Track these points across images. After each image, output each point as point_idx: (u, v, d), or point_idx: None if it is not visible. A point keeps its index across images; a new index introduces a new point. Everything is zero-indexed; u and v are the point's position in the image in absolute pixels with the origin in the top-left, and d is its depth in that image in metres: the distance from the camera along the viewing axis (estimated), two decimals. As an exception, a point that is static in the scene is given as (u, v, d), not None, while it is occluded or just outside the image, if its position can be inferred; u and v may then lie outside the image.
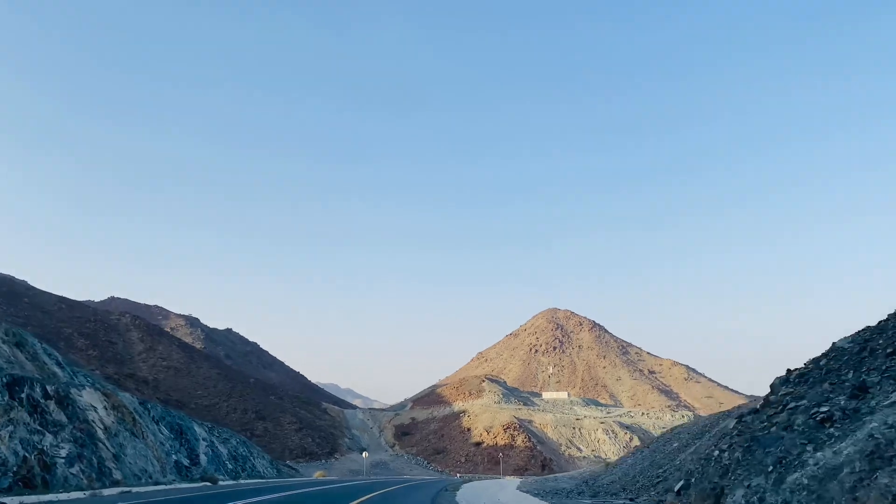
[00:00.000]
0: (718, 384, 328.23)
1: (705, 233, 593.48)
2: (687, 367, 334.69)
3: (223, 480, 31.75)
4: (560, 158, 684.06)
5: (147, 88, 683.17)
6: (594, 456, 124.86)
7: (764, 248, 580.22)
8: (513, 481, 43.58)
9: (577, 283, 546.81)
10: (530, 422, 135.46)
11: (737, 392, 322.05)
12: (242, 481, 33.54)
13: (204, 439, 35.67)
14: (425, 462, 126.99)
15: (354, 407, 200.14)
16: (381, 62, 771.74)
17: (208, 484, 29.16)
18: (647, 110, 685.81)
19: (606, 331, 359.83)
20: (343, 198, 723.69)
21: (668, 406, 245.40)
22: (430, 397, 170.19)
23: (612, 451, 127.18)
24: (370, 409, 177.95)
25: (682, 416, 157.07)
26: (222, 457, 37.23)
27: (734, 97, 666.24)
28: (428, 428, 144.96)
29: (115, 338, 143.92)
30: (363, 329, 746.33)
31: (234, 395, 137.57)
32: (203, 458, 33.49)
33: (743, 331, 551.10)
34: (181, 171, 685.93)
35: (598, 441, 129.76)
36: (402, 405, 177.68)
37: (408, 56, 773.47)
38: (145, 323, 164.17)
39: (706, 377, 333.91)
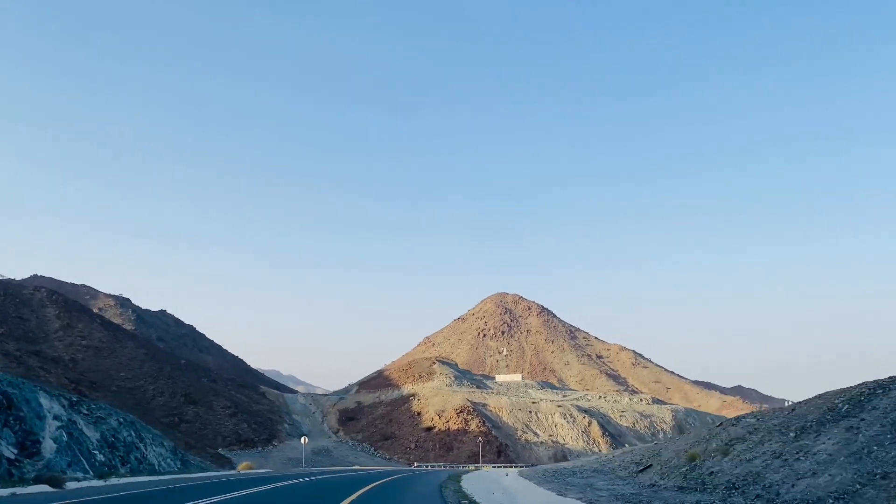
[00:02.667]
0: (665, 369, 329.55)
1: (653, 222, 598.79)
2: (634, 352, 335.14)
3: (79, 481, 21.76)
4: (514, 151, 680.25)
5: (79, 56, 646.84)
6: (552, 441, 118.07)
7: (710, 238, 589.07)
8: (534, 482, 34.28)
9: (525, 267, 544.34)
10: (484, 405, 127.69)
11: (683, 377, 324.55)
12: (114, 481, 23.51)
13: (57, 417, 24.80)
14: (372, 449, 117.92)
15: (295, 391, 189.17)
16: (331, 53, 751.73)
17: (45, 488, 19.32)
18: (602, 106, 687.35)
19: (555, 315, 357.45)
20: (289, 181, 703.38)
21: (616, 390, 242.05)
22: (377, 380, 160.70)
23: (570, 436, 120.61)
24: (312, 394, 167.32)
25: (640, 400, 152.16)
26: (88, 444, 26.53)
27: (671, 87, 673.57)
28: (375, 413, 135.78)
29: (26, 314, 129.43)
30: (306, 315, 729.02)
31: (162, 378, 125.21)
32: (48, 447, 23.03)
33: (689, 317, 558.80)
34: (120, 146, 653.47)
35: (556, 426, 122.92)
36: (346, 390, 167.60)
37: (366, 50, 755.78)
38: (64, 299, 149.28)
39: (653, 362, 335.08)
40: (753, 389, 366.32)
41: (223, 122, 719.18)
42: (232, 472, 41.27)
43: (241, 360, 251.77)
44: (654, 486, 15.48)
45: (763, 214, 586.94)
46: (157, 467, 32.28)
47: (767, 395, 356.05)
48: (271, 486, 21.65)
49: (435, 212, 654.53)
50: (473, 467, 76.11)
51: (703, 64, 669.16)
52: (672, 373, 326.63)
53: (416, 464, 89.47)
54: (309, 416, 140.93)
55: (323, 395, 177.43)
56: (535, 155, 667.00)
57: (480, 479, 23.20)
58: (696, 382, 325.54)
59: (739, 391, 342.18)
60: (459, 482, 22.16)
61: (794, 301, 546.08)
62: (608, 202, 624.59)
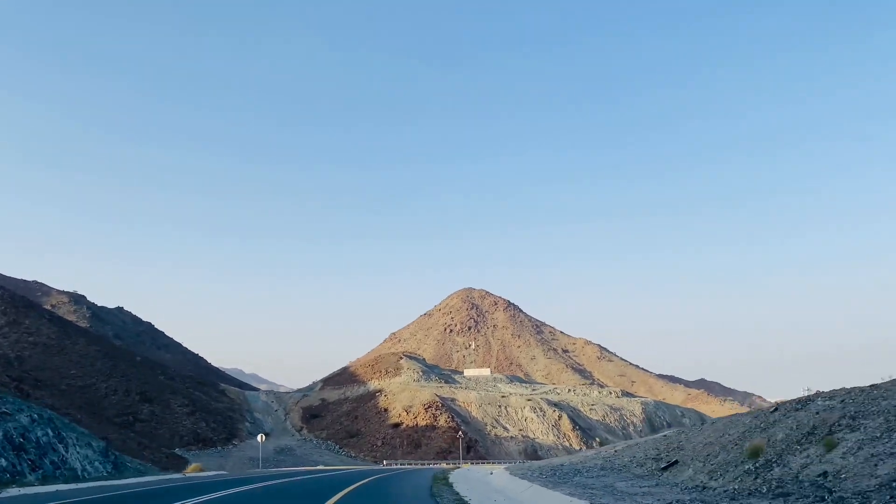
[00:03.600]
0: (630, 363, 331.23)
1: (616, 218, 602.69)
2: (600, 346, 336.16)
3: (-32, 490, 17.95)
4: (481, 149, 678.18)
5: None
6: (522, 436, 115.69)
7: (671, 234, 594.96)
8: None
9: (492, 263, 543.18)
10: (453, 400, 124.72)
11: (647, 371, 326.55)
12: (13, 492, 19.52)
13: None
14: (337, 447, 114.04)
15: (257, 389, 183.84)
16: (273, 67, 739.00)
17: None
18: (568, 104, 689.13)
19: (521, 310, 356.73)
20: (253, 180, 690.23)
21: (582, 384, 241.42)
22: (342, 376, 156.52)
23: (540, 430, 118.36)
24: (273, 391, 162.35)
25: (610, 393, 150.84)
26: (-13, 445, 22.73)
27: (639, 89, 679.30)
28: (340, 409, 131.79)
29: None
30: (269, 313, 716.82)
31: (116, 375, 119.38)
32: (-72, 450, 19.03)
33: (651, 312, 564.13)
34: (73, 150, 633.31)
35: (526, 420, 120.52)
36: (311, 387, 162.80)
37: (300, 58, 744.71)
38: (10, 294, 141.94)
39: (618, 356, 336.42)
40: (716, 383, 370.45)
41: (185, 132, 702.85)
42: (176, 475, 36.49)
43: (202, 358, 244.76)
44: (702, 488, 12.46)
45: (724, 211, 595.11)
46: (80, 472, 27.82)
47: (730, 388, 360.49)
48: (205, 497, 17.90)
49: (400, 208, 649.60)
50: (453, 465, 71.41)
51: (671, 63, 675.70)
52: (637, 366, 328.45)
53: (384, 462, 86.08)
54: (271, 414, 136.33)
55: (286, 392, 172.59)
56: (501, 153, 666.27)
57: (475, 482, 20.07)
58: (661, 376, 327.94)
59: (703, 384, 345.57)
60: (450, 485, 18.94)
61: (754, 296, 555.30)
62: (573, 199, 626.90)
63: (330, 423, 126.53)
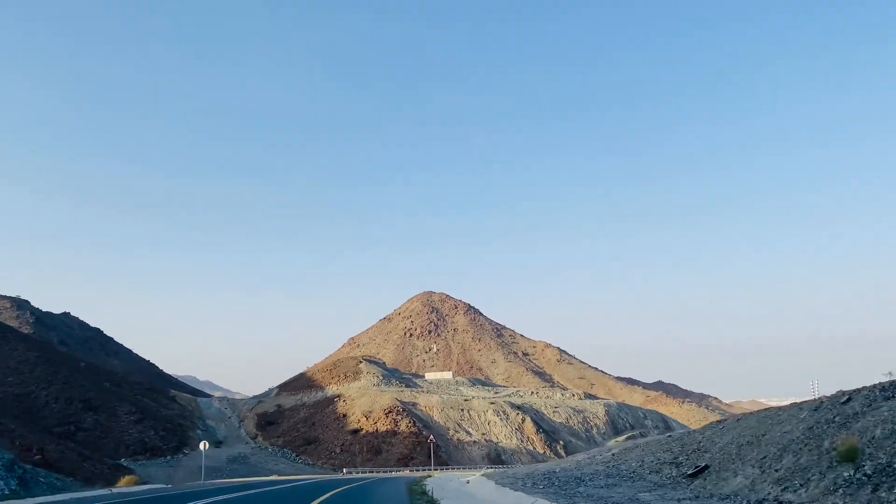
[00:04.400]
0: (589, 366, 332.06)
1: (573, 222, 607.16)
2: (559, 349, 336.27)
3: None
4: (437, 150, 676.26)
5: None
6: (485, 440, 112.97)
7: (627, 239, 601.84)
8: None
9: (452, 266, 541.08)
10: (414, 404, 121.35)
11: (606, 373, 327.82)
12: None
13: None
14: (293, 455, 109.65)
15: (210, 395, 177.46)
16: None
17: None
18: (527, 104, 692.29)
19: (481, 314, 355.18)
20: (207, 178, 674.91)
21: (543, 387, 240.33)
22: (299, 382, 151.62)
23: (503, 433, 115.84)
24: (227, 397, 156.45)
25: (573, 395, 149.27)
26: None
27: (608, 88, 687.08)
28: (297, 416, 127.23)
29: None
30: (224, 319, 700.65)
31: (57, 382, 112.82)
32: None
33: (609, 315, 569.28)
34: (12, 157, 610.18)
35: (489, 423, 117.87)
36: (266, 394, 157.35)
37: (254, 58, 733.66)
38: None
39: (577, 359, 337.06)
40: (673, 384, 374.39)
41: (131, 114, 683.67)
42: (100, 492, 31.11)
43: (153, 365, 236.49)
44: (775, 501, 9.79)
45: (679, 218, 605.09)
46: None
47: (688, 390, 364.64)
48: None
49: (358, 212, 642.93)
50: (423, 472, 65.75)
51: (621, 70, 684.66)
52: (596, 369, 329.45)
53: (344, 470, 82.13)
54: (225, 422, 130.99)
55: (240, 399, 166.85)
56: (459, 159, 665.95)
57: (465, 497, 16.86)
58: (619, 378, 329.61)
59: (661, 386, 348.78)
60: (435, 502, 15.69)
61: (708, 302, 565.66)
62: (533, 203, 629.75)
63: (286, 430, 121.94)
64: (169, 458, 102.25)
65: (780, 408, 18.99)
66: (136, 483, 38.90)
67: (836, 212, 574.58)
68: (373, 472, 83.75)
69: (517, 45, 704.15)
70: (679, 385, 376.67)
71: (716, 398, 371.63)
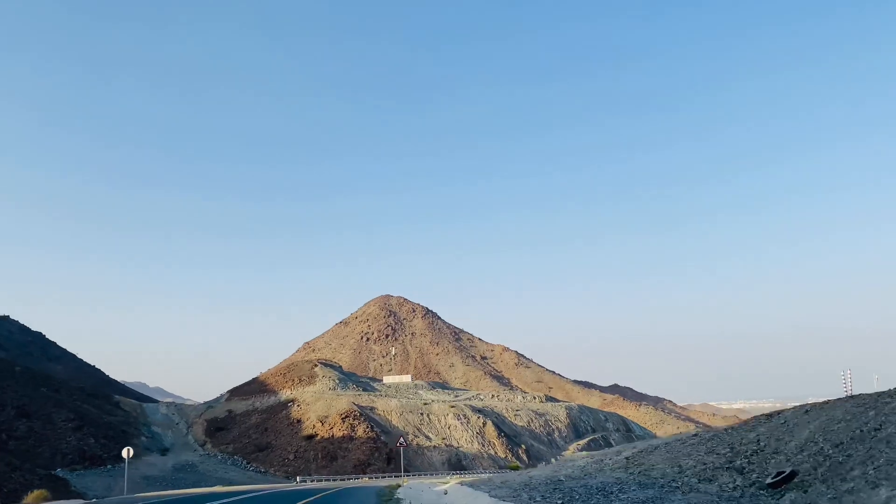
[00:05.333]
0: (546, 369, 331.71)
1: (533, 226, 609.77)
2: (517, 352, 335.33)
3: None
4: (396, 151, 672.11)
5: None
6: (445, 445, 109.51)
7: (585, 241, 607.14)
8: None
9: (410, 269, 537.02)
10: (372, 409, 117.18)
11: (564, 377, 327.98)
12: None
13: None
14: (244, 462, 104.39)
15: (157, 401, 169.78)
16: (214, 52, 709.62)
17: None
18: (483, 103, 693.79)
19: (439, 317, 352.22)
20: (155, 180, 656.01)
21: (503, 390, 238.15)
22: (252, 387, 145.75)
23: (464, 438, 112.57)
24: (175, 403, 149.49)
25: (534, 398, 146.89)
26: None
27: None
28: (248, 421, 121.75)
29: None
30: (173, 323, 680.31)
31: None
32: None
33: (565, 319, 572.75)
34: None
35: (450, 427, 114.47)
36: (217, 400, 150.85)
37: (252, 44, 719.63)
38: None
39: (535, 362, 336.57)
40: (629, 388, 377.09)
41: (79, 121, 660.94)
42: None
43: (99, 370, 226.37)
44: None
45: (636, 221, 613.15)
46: None
47: (643, 394, 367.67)
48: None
49: (314, 213, 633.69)
50: (391, 481, 57.29)
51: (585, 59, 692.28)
52: (553, 372, 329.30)
53: (297, 478, 77.56)
54: (172, 428, 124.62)
55: (190, 405, 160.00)
56: (417, 156, 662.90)
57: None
58: (577, 381, 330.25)
59: (617, 389, 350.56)
60: None
61: (661, 306, 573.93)
62: (487, 202, 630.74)
63: (237, 436, 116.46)
64: (110, 467, 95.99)
65: (820, 403, 16.18)
66: (46, 499, 34.14)
67: (782, 220, 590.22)
68: (329, 479, 79.41)
69: (463, 62, 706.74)
70: (634, 388, 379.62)
71: (670, 401, 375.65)
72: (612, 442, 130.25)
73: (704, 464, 14.10)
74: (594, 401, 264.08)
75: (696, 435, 19.03)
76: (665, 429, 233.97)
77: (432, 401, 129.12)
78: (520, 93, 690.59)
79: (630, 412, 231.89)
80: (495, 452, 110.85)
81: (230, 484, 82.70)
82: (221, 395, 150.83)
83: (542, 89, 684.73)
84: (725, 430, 17.61)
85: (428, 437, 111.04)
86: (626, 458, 18.32)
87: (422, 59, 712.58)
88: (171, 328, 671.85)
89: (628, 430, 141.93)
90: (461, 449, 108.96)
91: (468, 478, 47.73)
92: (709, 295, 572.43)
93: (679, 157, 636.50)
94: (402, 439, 32.89)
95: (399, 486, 31.02)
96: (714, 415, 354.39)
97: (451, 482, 27.28)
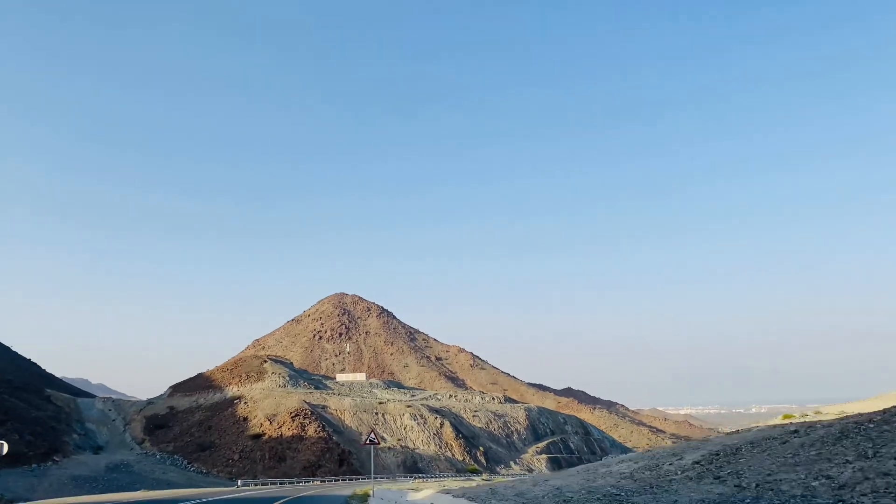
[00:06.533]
0: (501, 371, 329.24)
1: (481, 233, 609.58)
2: (473, 354, 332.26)
3: None
4: (345, 152, 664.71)
5: None
6: (401, 446, 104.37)
7: (540, 248, 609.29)
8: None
9: (366, 268, 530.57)
10: (324, 407, 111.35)
11: (518, 379, 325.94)
12: None
13: None
14: (185, 462, 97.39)
15: (93, 395, 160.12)
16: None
17: None
18: (437, 110, 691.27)
19: (395, 317, 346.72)
20: (109, 177, 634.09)
21: (461, 390, 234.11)
22: (196, 382, 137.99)
23: (420, 439, 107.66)
24: (112, 399, 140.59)
25: (493, 399, 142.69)
26: None
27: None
28: (191, 419, 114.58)
29: None
30: (118, 320, 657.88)
31: None
32: None
33: (520, 322, 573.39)
34: None
35: (405, 428, 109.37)
36: (160, 397, 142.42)
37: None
38: None
39: (490, 364, 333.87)
40: (582, 391, 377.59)
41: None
42: None
43: (34, 364, 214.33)
44: None
45: (589, 228, 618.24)
46: None
47: (596, 397, 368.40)
48: None
49: (266, 213, 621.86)
50: (359, 489, 49.73)
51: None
52: (508, 374, 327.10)
53: (239, 481, 71.28)
54: (108, 425, 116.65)
55: (129, 401, 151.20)
56: (373, 158, 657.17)
57: None
58: (531, 384, 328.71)
59: (571, 393, 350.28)
60: None
61: (612, 311, 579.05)
62: (445, 207, 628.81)
63: (178, 434, 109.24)
64: (34, 466, 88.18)
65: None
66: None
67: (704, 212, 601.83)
68: (276, 483, 73.32)
69: (420, 72, 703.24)
70: (587, 392, 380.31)
71: (623, 405, 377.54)
72: (571, 445, 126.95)
73: (779, 481, 9.81)
74: (549, 403, 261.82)
75: (795, 431, 14.72)
76: (620, 432, 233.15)
77: (388, 400, 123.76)
78: (474, 103, 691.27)
79: (585, 415, 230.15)
80: (452, 455, 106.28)
81: (167, 486, 76.26)
82: (164, 392, 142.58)
83: (501, 101, 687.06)
84: (853, 421, 13.36)
85: (383, 438, 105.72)
86: (698, 463, 14.09)
87: (389, 68, 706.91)
88: (116, 325, 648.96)
89: (587, 433, 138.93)
90: (417, 451, 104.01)
91: (450, 483, 42.75)
92: (659, 304, 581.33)
93: (624, 170, 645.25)
94: (372, 434, 28.24)
95: (367, 494, 25.85)
96: (665, 419, 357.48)
97: (427, 490, 22.53)
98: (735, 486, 11.52)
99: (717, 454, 14.81)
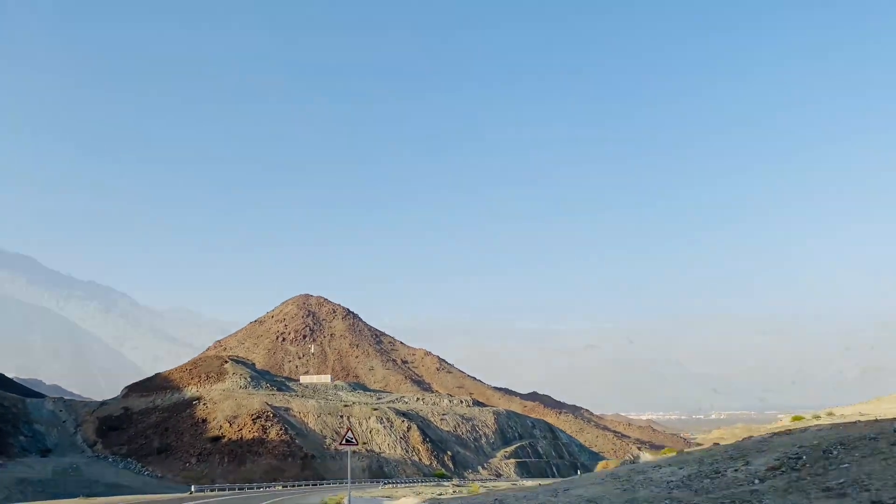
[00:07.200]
0: (467, 375, 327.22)
1: (443, 232, 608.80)
2: (439, 357, 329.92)
3: None
4: (313, 155, 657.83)
5: None
6: (366, 450, 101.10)
7: (502, 254, 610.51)
8: None
9: (331, 269, 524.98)
10: (287, 409, 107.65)
11: (484, 383, 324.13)
12: None
13: None
14: (139, 465, 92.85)
15: (44, 395, 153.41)
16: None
17: None
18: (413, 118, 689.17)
19: (360, 319, 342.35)
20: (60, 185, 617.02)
21: (428, 393, 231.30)
22: (153, 383, 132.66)
23: (386, 443, 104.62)
24: (64, 399, 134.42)
25: (461, 402, 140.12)
26: None
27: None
28: (146, 420, 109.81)
29: None
30: (74, 320, 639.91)
31: None
32: None
33: (487, 325, 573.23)
34: None
35: (371, 432, 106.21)
36: (115, 398, 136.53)
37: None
38: None
39: (456, 368, 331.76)
40: (548, 395, 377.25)
41: None
42: None
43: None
44: None
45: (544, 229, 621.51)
46: None
47: (560, 401, 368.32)
48: None
49: (230, 213, 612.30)
50: (330, 497, 42.71)
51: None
52: (474, 378, 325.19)
53: (192, 487, 67.23)
54: (58, 426, 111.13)
55: (82, 401, 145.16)
56: (342, 162, 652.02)
57: None
58: (497, 388, 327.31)
59: (536, 397, 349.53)
60: None
61: (575, 314, 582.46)
62: (412, 210, 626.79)
63: (133, 436, 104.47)
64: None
65: None
66: None
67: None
68: (234, 488, 69.53)
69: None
70: (552, 396, 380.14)
71: (587, 410, 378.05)
72: (540, 449, 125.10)
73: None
74: (515, 407, 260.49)
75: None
76: (585, 437, 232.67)
77: (353, 403, 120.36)
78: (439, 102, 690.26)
79: (551, 419, 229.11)
80: (419, 459, 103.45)
81: (118, 491, 72.40)
82: (119, 393, 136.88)
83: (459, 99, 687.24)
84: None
85: (339, 444, 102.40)
86: (778, 469, 11.80)
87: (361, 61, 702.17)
88: (71, 324, 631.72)
89: (555, 438, 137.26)
90: (383, 455, 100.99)
91: (425, 490, 39.97)
92: (614, 314, 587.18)
93: (580, 176, 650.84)
94: (349, 434, 25.68)
95: (340, 503, 23.01)
96: (630, 424, 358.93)
97: (406, 498, 19.87)
98: (870, 500, 9.20)
99: (799, 458, 12.54)
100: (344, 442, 27.85)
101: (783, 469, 12.20)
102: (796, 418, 27.51)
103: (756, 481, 11.73)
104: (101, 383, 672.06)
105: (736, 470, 13.21)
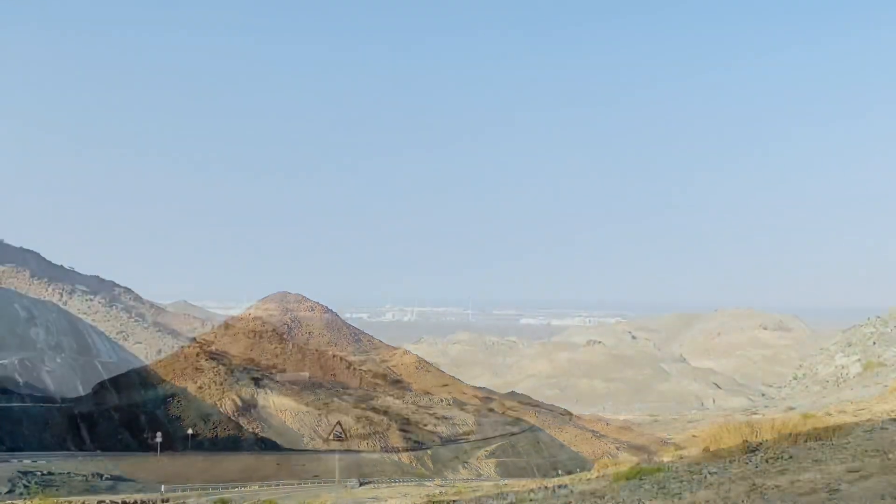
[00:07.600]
0: (447, 374, 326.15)
1: (431, 231, 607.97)
2: (418, 356, 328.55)
3: None
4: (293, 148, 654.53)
5: None
6: (345, 450, 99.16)
7: (479, 251, 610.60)
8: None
9: (310, 267, 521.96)
10: (264, 407, 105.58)
11: (461, 381, 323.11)
12: None
13: None
14: (108, 464, 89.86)
15: (45, 391, 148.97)
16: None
17: None
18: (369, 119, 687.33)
19: (339, 317, 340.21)
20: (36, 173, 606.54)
21: (408, 392, 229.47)
22: (126, 378, 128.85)
23: (365, 442, 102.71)
24: (31, 395, 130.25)
25: (440, 402, 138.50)
26: None
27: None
28: (118, 417, 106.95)
29: None
30: (79, 313, 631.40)
31: None
32: None
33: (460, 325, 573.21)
34: None
35: (349, 430, 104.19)
36: (86, 394, 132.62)
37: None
38: None
39: (436, 367, 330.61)
40: (526, 395, 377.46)
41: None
42: None
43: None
44: None
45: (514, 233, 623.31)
46: None
47: (539, 401, 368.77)
48: None
49: (212, 206, 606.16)
50: (313, 500, 38.21)
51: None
52: (454, 377, 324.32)
53: (162, 487, 64.54)
54: (25, 422, 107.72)
55: (50, 397, 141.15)
56: (320, 158, 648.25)
57: None
58: (477, 387, 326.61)
59: (515, 396, 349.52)
60: None
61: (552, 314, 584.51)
62: (390, 210, 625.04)
63: (103, 434, 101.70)
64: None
65: None
66: None
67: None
68: (207, 489, 66.99)
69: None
70: (531, 396, 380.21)
71: (565, 409, 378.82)
72: (520, 449, 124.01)
73: None
74: (495, 407, 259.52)
75: None
76: (564, 436, 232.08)
77: (331, 401, 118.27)
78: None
79: (530, 419, 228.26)
80: (399, 458, 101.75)
81: (84, 492, 69.55)
82: (90, 388, 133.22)
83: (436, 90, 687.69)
84: None
85: (326, 440, 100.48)
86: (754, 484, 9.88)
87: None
88: (74, 318, 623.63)
89: (536, 438, 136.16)
90: (362, 454, 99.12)
91: (411, 490, 38.31)
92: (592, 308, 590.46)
93: (541, 163, 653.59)
94: (338, 428, 24.15)
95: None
96: (608, 424, 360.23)
97: (394, 500, 18.11)
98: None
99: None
100: (333, 436, 26.05)
101: None
102: (807, 416, 26.44)
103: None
104: (103, 378, 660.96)
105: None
